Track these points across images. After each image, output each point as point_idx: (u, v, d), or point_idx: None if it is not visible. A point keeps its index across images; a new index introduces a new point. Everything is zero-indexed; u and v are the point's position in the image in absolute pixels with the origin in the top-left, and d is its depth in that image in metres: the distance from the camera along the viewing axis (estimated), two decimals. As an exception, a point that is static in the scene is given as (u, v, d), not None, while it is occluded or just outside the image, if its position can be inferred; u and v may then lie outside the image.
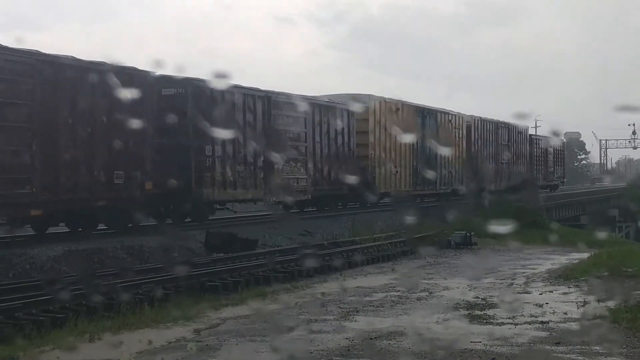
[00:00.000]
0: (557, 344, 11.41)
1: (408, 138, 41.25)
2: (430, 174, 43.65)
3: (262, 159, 30.02)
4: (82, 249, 20.39)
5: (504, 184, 55.99)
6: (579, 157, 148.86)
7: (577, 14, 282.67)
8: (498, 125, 56.12)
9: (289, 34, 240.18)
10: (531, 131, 79.44)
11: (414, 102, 43.89)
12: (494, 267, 23.92)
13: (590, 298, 15.98)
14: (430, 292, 17.42)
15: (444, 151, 45.61)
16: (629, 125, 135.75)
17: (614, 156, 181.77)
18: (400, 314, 14.51)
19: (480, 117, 52.92)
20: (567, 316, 13.99)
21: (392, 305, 15.56)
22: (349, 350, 11.11)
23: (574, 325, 13.03)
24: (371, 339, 11.88)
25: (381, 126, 39.32)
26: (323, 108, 35.32)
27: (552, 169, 71.69)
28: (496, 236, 34.73)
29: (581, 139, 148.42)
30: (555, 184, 73.50)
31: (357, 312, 14.73)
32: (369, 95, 39.16)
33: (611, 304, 14.81)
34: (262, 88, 30.82)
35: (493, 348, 11.09)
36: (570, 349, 11.05)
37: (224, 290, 17.53)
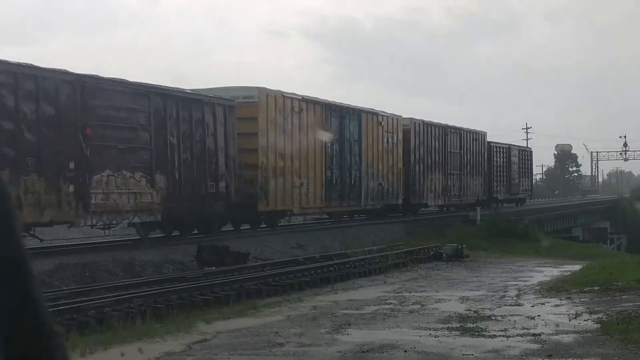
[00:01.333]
0: (550, 356, 11.39)
1: (318, 143, 34.78)
2: (351, 187, 37.83)
3: (71, 166, 22.33)
4: (73, 263, 20.34)
5: (454, 199, 51.12)
6: (570, 169, 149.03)
7: (570, 27, 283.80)
8: (447, 130, 49.94)
9: (282, 47, 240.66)
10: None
11: (329, 100, 37.04)
12: (485, 279, 23.94)
13: (582, 310, 15.99)
14: (423, 305, 17.40)
15: (372, 160, 39.59)
16: (620, 137, 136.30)
17: (605, 168, 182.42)
18: (392, 327, 14.48)
19: (423, 121, 46.85)
20: (559, 328, 13.99)
21: (384, 318, 15.53)
22: (341, 363, 11.08)
23: (566, 338, 13.02)
24: (363, 352, 11.85)
25: (278, 127, 31.79)
26: (182, 101, 27.02)
27: (516, 180, 65.16)
28: (488, 248, 34.85)
29: (573, 151, 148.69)
30: (521, 198, 67.51)
31: (349, 325, 14.69)
32: (260, 88, 31.45)
33: (603, 316, 14.83)
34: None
35: (485, 361, 11.07)
36: (562, 361, 11.04)
37: (216, 303, 17.50)
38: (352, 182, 37.90)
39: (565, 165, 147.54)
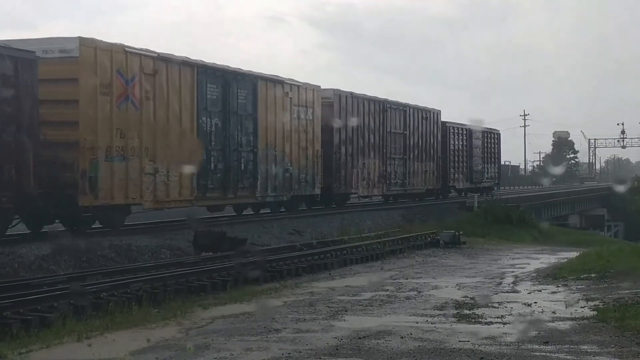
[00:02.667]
0: (546, 343, 11.41)
1: (188, 116, 26.89)
2: (240, 174, 29.59)
3: None
4: (70, 248, 20.30)
5: (396, 188, 44.05)
6: (567, 156, 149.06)
7: (568, 13, 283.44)
8: (385, 106, 42.04)
9: (281, 33, 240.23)
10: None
11: (205, 61, 28.32)
12: (482, 266, 23.97)
13: (579, 297, 16.02)
14: (419, 292, 17.42)
15: (273, 140, 31.64)
16: (617, 124, 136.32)
17: (603, 155, 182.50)
18: (388, 313, 14.50)
19: (352, 93, 38.63)
20: (556, 315, 14.01)
21: (380, 305, 15.55)
22: (337, 349, 11.10)
23: (563, 325, 13.04)
24: (360, 338, 11.86)
25: (116, 93, 23.56)
26: None
27: (480, 167, 57.14)
28: (485, 235, 34.89)
29: (570, 138, 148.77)
30: (487, 186, 59.29)
31: (346, 311, 14.71)
32: (85, 39, 22.86)
33: (599, 303, 14.85)
34: None
35: (481, 347, 11.08)
36: (559, 348, 11.06)
37: (213, 289, 17.50)
38: (243, 168, 29.78)
39: (563, 153, 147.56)
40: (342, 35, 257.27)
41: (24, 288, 15.30)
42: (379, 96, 42.03)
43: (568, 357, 10.53)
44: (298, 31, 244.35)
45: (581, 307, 14.69)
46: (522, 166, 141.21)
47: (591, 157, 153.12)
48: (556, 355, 10.66)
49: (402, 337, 11.85)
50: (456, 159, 52.55)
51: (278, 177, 32.07)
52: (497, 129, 63.91)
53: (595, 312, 13.94)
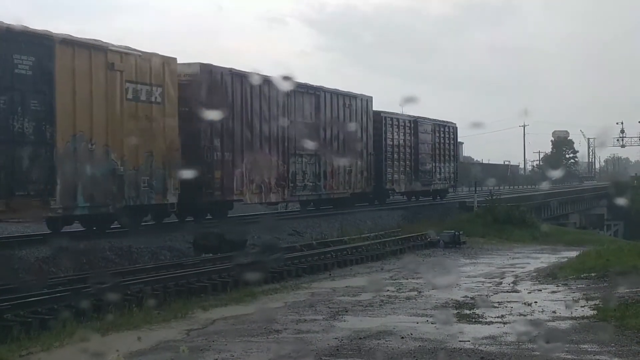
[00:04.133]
0: (546, 342, 11.43)
1: None
2: (18, 177, 20.27)
3: None
4: (70, 250, 20.32)
5: (304, 192, 35.25)
6: (567, 155, 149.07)
7: (567, 13, 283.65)
8: (293, 91, 33.44)
9: (280, 34, 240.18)
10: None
11: None
12: (482, 266, 23.98)
13: (579, 297, 16.02)
14: (419, 292, 17.42)
15: (89, 129, 22.69)
16: (617, 123, 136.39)
17: (602, 155, 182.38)
18: (389, 314, 14.51)
19: (233, 70, 29.54)
20: (556, 315, 14.01)
21: (381, 305, 15.56)
22: (338, 350, 11.10)
23: (563, 324, 13.05)
24: (360, 338, 11.87)
25: None
26: None
27: (429, 165, 49.04)
28: (485, 235, 34.89)
29: (569, 138, 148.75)
30: (440, 189, 52.10)
31: (346, 311, 14.72)
32: None
33: (599, 302, 14.86)
34: None
35: (482, 347, 11.09)
36: (559, 347, 11.06)
37: (213, 290, 17.52)
38: (25, 167, 20.49)
39: (562, 152, 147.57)
40: (341, 36, 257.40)
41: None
42: (272, 75, 31.79)
43: (568, 356, 10.53)
44: (297, 32, 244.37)
45: (581, 307, 14.69)
46: (521, 166, 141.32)
47: (590, 156, 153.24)
48: (556, 354, 10.67)
49: (402, 338, 11.86)
50: (396, 156, 44.11)
51: (97, 180, 22.91)
52: (453, 121, 54.05)
53: (595, 312, 13.94)
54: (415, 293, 17.24)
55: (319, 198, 37.16)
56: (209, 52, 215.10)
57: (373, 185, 41.73)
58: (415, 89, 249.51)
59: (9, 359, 10.98)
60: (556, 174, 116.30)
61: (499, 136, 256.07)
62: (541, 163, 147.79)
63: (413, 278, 20.37)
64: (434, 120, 50.53)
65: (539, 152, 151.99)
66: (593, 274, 19.53)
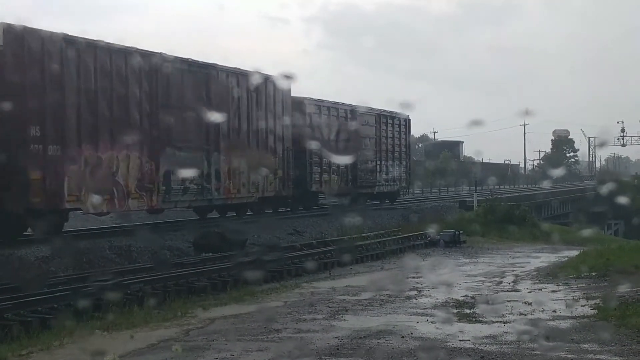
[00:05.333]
0: (546, 342, 11.40)
1: None
2: None
3: None
4: (70, 250, 20.32)
5: (187, 197, 27.95)
6: (567, 154, 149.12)
7: (568, 12, 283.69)
8: (157, 66, 25.96)
9: (282, 33, 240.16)
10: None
11: None
12: (482, 265, 23.96)
13: (579, 296, 16.01)
14: (419, 291, 17.40)
15: None
16: (617, 122, 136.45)
17: (603, 154, 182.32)
18: (389, 313, 14.48)
19: (67, 35, 22.80)
20: (556, 314, 14.00)
21: (381, 304, 15.54)
22: (338, 349, 11.08)
23: (563, 323, 13.03)
24: (360, 337, 11.85)
25: None
26: None
27: (371, 164, 42.25)
28: (485, 234, 34.89)
29: (570, 137, 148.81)
30: (387, 192, 45.10)
31: (347, 311, 14.70)
32: None
33: (600, 301, 14.84)
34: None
35: (482, 346, 11.07)
36: (559, 346, 11.04)
37: (213, 289, 17.51)
38: None
39: (563, 151, 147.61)
40: (343, 35, 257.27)
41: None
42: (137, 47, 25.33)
43: (569, 355, 10.51)
44: (299, 31, 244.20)
45: (582, 306, 14.67)
46: (521, 165, 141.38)
47: (591, 155, 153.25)
48: (557, 354, 10.64)
49: (402, 337, 11.84)
50: (326, 152, 36.83)
51: None
52: (406, 113, 46.90)
53: (595, 311, 13.92)
54: (415, 292, 17.22)
55: (209, 203, 29.78)
56: (209, 51, 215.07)
57: (293, 188, 34.34)
58: (417, 88, 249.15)
59: (8, 359, 10.97)
60: (557, 172, 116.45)
61: (499, 135, 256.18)
62: (542, 162, 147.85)
63: (413, 277, 20.36)
64: (379, 110, 43.37)
65: (540, 151, 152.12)
66: (594, 273, 19.52)
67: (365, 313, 14.53)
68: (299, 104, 35.28)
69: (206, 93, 28.52)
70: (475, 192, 47.67)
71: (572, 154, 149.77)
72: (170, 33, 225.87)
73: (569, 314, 13.92)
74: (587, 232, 37.36)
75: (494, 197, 45.48)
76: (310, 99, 36.28)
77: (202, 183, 28.37)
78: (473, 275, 20.92)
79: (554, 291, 17.31)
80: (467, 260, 25.43)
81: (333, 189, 38.63)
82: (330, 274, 21.34)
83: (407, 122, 46.97)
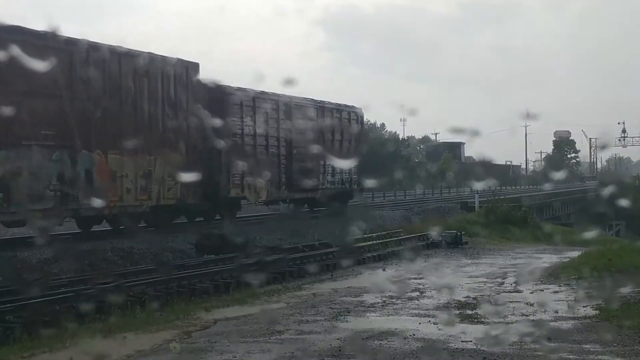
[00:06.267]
0: (549, 342, 11.41)
1: None
2: None
3: None
4: (72, 252, 20.35)
5: (41, 205, 21.58)
6: (568, 155, 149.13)
7: (569, 13, 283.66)
8: (37, 47, 21.42)
9: (282, 35, 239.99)
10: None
11: None
12: (484, 266, 23.96)
13: (581, 296, 16.01)
14: (421, 292, 17.41)
15: None
16: (618, 123, 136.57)
17: (604, 155, 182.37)
18: (391, 314, 14.50)
19: None
20: (558, 315, 14.01)
21: (383, 305, 15.55)
22: (340, 350, 11.09)
23: (565, 324, 13.04)
24: (363, 339, 11.87)
25: None
26: None
27: (312, 163, 36.28)
28: (487, 235, 34.88)
29: (571, 138, 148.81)
30: (338, 195, 38.55)
31: (349, 312, 14.71)
32: None
33: (602, 302, 14.84)
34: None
35: (484, 347, 11.08)
36: (561, 347, 11.05)
37: (215, 291, 17.52)
38: None
39: (564, 152, 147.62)
40: (343, 36, 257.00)
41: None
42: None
43: (571, 356, 10.52)
44: (299, 32, 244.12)
45: (583, 307, 14.67)
46: (523, 166, 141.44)
47: (592, 156, 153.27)
48: (559, 354, 10.66)
49: (405, 338, 11.85)
50: (250, 150, 31.62)
51: None
52: (358, 106, 41.37)
53: (597, 312, 13.93)
54: (418, 293, 17.23)
55: (77, 214, 23.82)
56: (208, 52, 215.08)
57: (204, 193, 28.76)
58: (418, 89, 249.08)
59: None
60: (558, 175, 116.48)
61: (500, 136, 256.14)
62: (543, 163, 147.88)
63: (415, 278, 20.35)
64: (324, 102, 38.08)
65: (541, 152, 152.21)
66: (595, 274, 19.51)
67: (367, 314, 14.54)
68: (214, 92, 29.54)
69: (68, 74, 22.72)
70: (477, 193, 47.64)
71: (573, 154, 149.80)
72: (169, 33, 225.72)
73: (571, 315, 13.93)
74: (589, 234, 37.38)
75: (495, 198, 45.38)
76: (232, 87, 30.71)
77: (60, 190, 22.27)
78: (475, 276, 20.92)
79: (555, 292, 17.31)
80: (469, 261, 25.42)
81: (261, 194, 32.26)
82: (332, 275, 21.35)
83: (359, 116, 41.20)
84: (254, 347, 11.43)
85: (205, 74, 28.83)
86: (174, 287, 17.00)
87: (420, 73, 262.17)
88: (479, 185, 59.06)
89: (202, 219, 30.28)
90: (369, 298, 16.60)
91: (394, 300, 16.31)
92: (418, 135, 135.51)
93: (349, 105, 40.10)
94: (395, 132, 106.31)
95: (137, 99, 25.32)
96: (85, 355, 11.26)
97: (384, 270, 22.69)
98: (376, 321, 13.65)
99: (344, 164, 38.30)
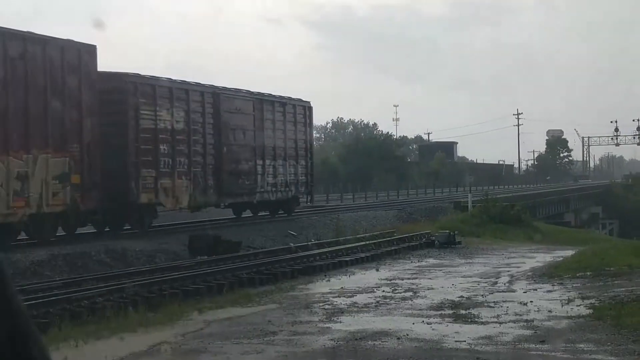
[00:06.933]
0: (542, 342, 11.41)
1: None
2: None
3: None
4: (65, 253, 20.31)
5: None
6: (561, 154, 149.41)
7: (562, 12, 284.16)
8: None
9: (279, 35, 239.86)
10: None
11: None
12: (478, 266, 23.96)
13: (575, 296, 16.02)
14: (415, 292, 17.40)
15: None
16: (611, 122, 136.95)
17: (597, 153, 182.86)
18: (385, 314, 14.49)
19: None
20: (552, 314, 14.01)
21: (376, 306, 15.54)
22: (334, 351, 11.09)
23: (559, 324, 13.04)
24: (356, 339, 11.85)
25: None
26: None
27: (248, 164, 31.98)
28: (480, 235, 34.92)
29: (564, 137, 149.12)
30: (277, 200, 34.32)
31: (342, 313, 14.70)
32: None
33: (595, 301, 14.86)
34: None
35: (478, 347, 11.08)
36: (555, 347, 11.06)
37: (208, 292, 17.49)
38: None
39: (556, 151, 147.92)
40: (339, 36, 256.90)
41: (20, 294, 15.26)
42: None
43: (564, 355, 10.53)
44: (295, 33, 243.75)
45: (577, 306, 14.68)
46: (516, 165, 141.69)
47: (585, 155, 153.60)
48: (553, 354, 10.67)
49: (398, 338, 11.84)
50: (166, 149, 27.08)
51: None
52: (307, 100, 37.25)
53: (591, 311, 13.94)
54: (411, 293, 17.23)
55: None
56: (206, 54, 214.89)
57: (104, 198, 24.57)
58: (411, 89, 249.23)
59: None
60: (550, 174, 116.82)
61: (493, 135, 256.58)
62: (536, 162, 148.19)
63: (408, 278, 20.35)
64: (262, 94, 33.78)
65: (534, 151, 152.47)
66: (589, 273, 19.55)
67: (361, 315, 14.52)
68: (121, 83, 25.56)
69: None
70: (470, 192, 47.70)
71: (566, 153, 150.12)
72: (166, 35, 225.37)
73: (565, 314, 13.93)
74: (582, 233, 37.45)
75: (489, 197, 45.41)
76: (139, 75, 26.19)
77: None
78: (468, 276, 20.91)
79: (549, 291, 17.31)
80: (463, 261, 25.42)
81: (180, 200, 27.90)
82: (325, 275, 21.33)
83: (307, 110, 36.79)
84: (248, 349, 11.41)
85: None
86: (167, 288, 16.95)
87: (414, 73, 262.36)
88: (469, 180, 59.12)
89: (109, 229, 26.12)
90: (362, 298, 16.58)
91: (388, 300, 16.30)
92: (411, 135, 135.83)
93: (294, 98, 36.06)
94: (389, 132, 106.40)
95: (8, 87, 21.32)
96: (79, 356, 11.23)
97: (377, 270, 22.68)
98: (370, 321, 13.64)
99: (290, 165, 34.96)
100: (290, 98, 35.61)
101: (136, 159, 25.65)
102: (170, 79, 27.88)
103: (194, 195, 28.43)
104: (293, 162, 35.32)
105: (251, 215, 34.34)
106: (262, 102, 33.14)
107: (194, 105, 28.46)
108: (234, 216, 33.53)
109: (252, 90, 33.29)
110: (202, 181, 28.96)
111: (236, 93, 31.77)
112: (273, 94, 34.58)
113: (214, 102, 29.70)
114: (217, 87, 30.50)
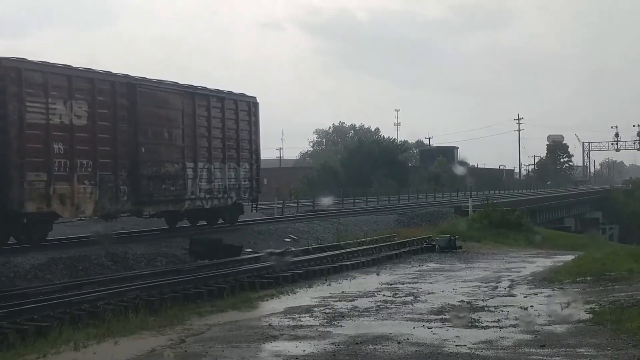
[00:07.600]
0: (542, 346, 11.42)
1: None
2: None
3: None
4: (66, 257, 20.32)
5: None
6: (562, 159, 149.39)
7: (563, 18, 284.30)
8: None
9: (276, 39, 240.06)
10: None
11: None
12: (478, 270, 23.97)
13: (575, 300, 16.03)
14: (416, 297, 17.42)
15: None
16: (611, 127, 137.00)
17: (597, 158, 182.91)
18: (385, 319, 14.50)
19: None
20: (552, 319, 14.02)
21: (377, 310, 15.55)
22: (334, 355, 11.09)
23: (559, 328, 13.05)
24: (357, 343, 11.87)
25: None
26: None
27: (175, 166, 27.53)
28: (481, 239, 34.93)
29: (564, 142, 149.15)
30: (213, 207, 29.92)
31: (343, 317, 14.71)
32: None
33: (595, 306, 14.87)
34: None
35: (478, 352, 11.10)
36: (555, 351, 11.07)
37: (209, 296, 17.48)
38: None
39: (557, 156, 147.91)
40: (337, 40, 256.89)
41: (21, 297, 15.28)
42: None
43: (565, 360, 10.54)
44: (293, 37, 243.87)
45: (577, 310, 14.70)
46: (516, 170, 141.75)
47: (585, 160, 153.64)
48: (553, 358, 10.68)
49: (399, 342, 11.86)
50: (60, 148, 22.67)
51: None
52: (253, 95, 32.88)
53: (591, 315, 13.95)
54: (412, 298, 17.24)
55: None
56: (204, 58, 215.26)
57: None
58: (411, 93, 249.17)
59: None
60: (550, 180, 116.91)
61: (494, 140, 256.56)
62: (536, 167, 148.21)
63: (409, 283, 20.37)
64: (193, 87, 29.45)
65: (534, 156, 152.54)
66: (589, 278, 19.56)
67: (362, 319, 14.54)
68: (4, 70, 21.47)
69: None
70: (471, 197, 47.74)
71: (566, 158, 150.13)
72: (162, 39, 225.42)
73: (565, 319, 13.94)
74: (582, 238, 37.46)
75: (489, 202, 45.42)
76: (25, 60, 21.98)
77: None
78: (469, 281, 20.92)
79: (549, 296, 17.33)
80: (463, 266, 25.43)
81: (83, 208, 23.65)
82: (326, 279, 21.34)
83: (252, 106, 32.67)
84: (248, 352, 11.43)
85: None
86: (167, 292, 16.94)
87: (414, 78, 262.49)
88: (470, 181, 59.06)
89: None
90: (363, 302, 16.60)
91: (388, 304, 16.32)
92: (412, 139, 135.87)
93: (235, 93, 31.67)
94: (390, 137, 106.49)
95: None
96: (79, 360, 11.25)
97: (378, 274, 22.69)
98: (371, 326, 13.66)
99: (230, 168, 30.72)
100: (230, 92, 31.26)
101: (20, 159, 21.46)
102: (68, 65, 23.32)
103: (102, 203, 23.99)
104: (234, 164, 30.98)
105: (189, 224, 30.49)
106: (194, 95, 28.88)
107: (101, 97, 24.13)
108: (167, 226, 29.49)
109: (182, 82, 28.88)
110: (113, 186, 24.53)
111: (159, 85, 27.30)
112: (208, 87, 30.12)
113: (129, 94, 25.39)
114: (132, 77, 25.91)
